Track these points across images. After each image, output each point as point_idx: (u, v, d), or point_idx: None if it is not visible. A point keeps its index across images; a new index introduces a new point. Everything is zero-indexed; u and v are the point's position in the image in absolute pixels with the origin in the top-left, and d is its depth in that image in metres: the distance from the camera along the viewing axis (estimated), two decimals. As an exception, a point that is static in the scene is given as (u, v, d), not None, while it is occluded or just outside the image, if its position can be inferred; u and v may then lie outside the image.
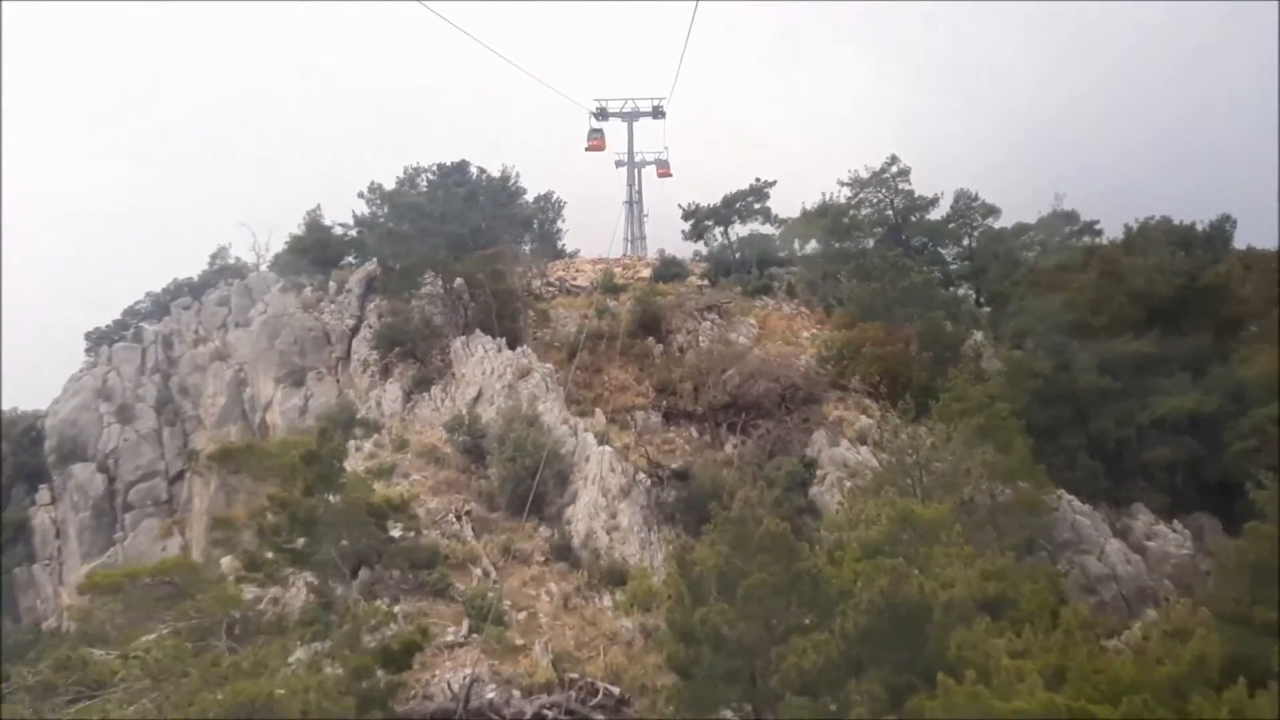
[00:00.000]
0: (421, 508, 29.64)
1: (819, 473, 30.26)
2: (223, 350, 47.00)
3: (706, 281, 51.03)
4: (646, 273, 54.63)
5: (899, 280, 35.27)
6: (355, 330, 43.27)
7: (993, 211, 53.35)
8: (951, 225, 52.36)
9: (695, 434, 36.28)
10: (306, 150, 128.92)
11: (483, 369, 36.11)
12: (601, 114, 66.92)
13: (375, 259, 43.24)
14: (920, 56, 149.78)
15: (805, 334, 43.58)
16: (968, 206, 53.23)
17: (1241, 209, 67.69)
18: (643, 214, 78.08)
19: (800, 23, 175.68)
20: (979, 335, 38.93)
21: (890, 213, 50.47)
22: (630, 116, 68.57)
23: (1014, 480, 26.44)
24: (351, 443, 34.66)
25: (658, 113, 67.56)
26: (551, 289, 53.20)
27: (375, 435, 35.50)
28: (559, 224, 79.52)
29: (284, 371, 42.66)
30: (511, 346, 40.76)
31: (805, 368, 36.88)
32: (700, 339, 42.37)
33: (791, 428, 33.15)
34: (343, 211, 51.53)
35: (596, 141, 64.36)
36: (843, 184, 51.34)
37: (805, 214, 54.96)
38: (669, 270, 52.38)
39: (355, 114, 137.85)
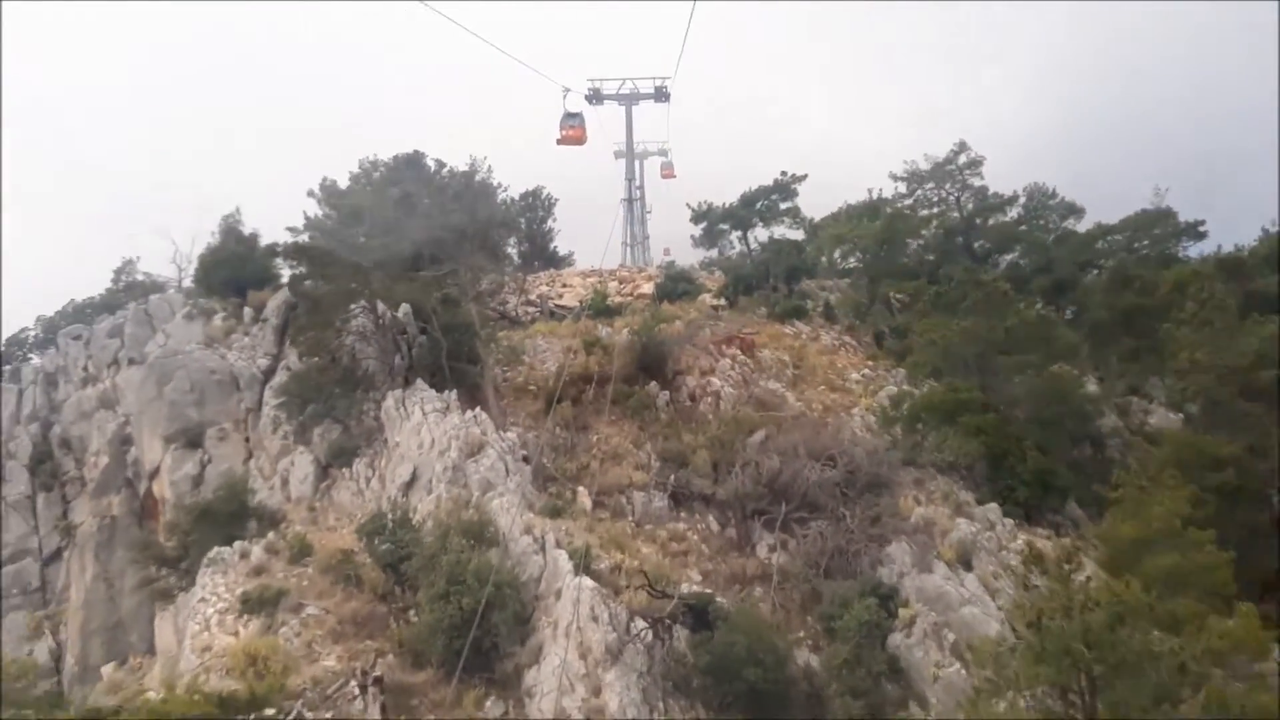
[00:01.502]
0: (311, 669, 19.86)
1: (903, 612, 20.25)
2: (110, 395, 37.12)
3: (723, 301, 40.97)
4: (648, 288, 44.57)
5: (1001, 314, 25.13)
6: (270, 373, 33.28)
7: (1074, 211, 43.19)
8: (1023, 227, 42.09)
9: (715, 525, 26.26)
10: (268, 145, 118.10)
11: (420, 439, 26.09)
12: (594, 96, 56.83)
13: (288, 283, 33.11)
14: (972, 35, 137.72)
15: (855, 375, 33.53)
16: (1042, 205, 43.04)
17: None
18: (645, 212, 68.35)
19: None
20: (1092, 385, 28.75)
21: (957, 214, 40.13)
22: (629, 99, 58.47)
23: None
24: (236, 546, 24.87)
25: (661, 95, 57.48)
26: (532, 310, 43.22)
27: (272, 533, 25.60)
28: (550, 224, 71.13)
29: (176, 428, 32.64)
30: (470, 400, 30.84)
31: (866, 438, 26.79)
32: (718, 383, 32.33)
33: (854, 529, 23.08)
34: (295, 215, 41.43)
35: (572, 130, 52.27)
36: (897, 178, 41.17)
37: (848, 213, 44.90)
38: (676, 286, 42.34)
39: (332, 106, 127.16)
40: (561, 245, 69.36)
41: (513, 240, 69.86)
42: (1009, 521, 23.07)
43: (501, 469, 24.55)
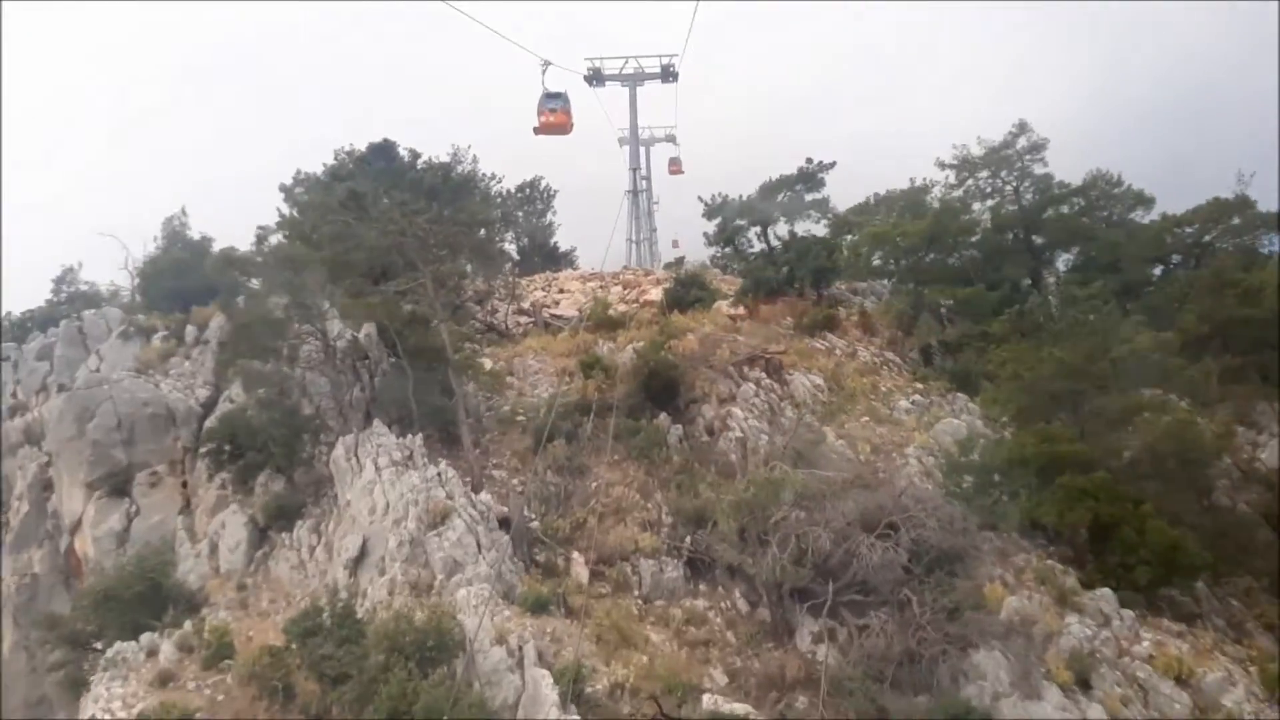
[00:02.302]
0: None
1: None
2: (35, 428, 32.07)
3: (742, 309, 35.59)
4: (656, 293, 39.21)
5: (1105, 338, 19.53)
6: (211, 405, 28.12)
7: (1143, 201, 37.59)
8: (1084, 220, 36.52)
9: (744, 605, 21.06)
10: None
11: (372, 502, 20.89)
12: (595, 77, 51.37)
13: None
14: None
15: (903, 402, 28.13)
16: (1106, 194, 37.47)
17: None
18: (652, 204, 62.88)
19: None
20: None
21: (1014, 205, 34.47)
22: (633, 80, 53.01)
23: None
24: (144, 641, 19.85)
25: (668, 74, 51.97)
26: (524, 321, 37.96)
27: (190, 621, 20.53)
28: (550, 217, 65.72)
29: (100, 472, 27.53)
30: (443, 442, 25.76)
31: (927, 489, 21.47)
32: (740, 414, 27.03)
33: (924, 623, 17.80)
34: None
35: (554, 115, 45.46)
36: (944, 165, 35.51)
37: (880, 205, 39.46)
38: (688, 293, 36.96)
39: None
40: (564, 240, 64.32)
41: (510, 236, 65.34)
42: (1127, 614, 17.79)
43: (472, 543, 19.36)
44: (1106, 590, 17.92)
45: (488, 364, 32.01)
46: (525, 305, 39.36)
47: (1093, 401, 19.73)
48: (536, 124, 45.33)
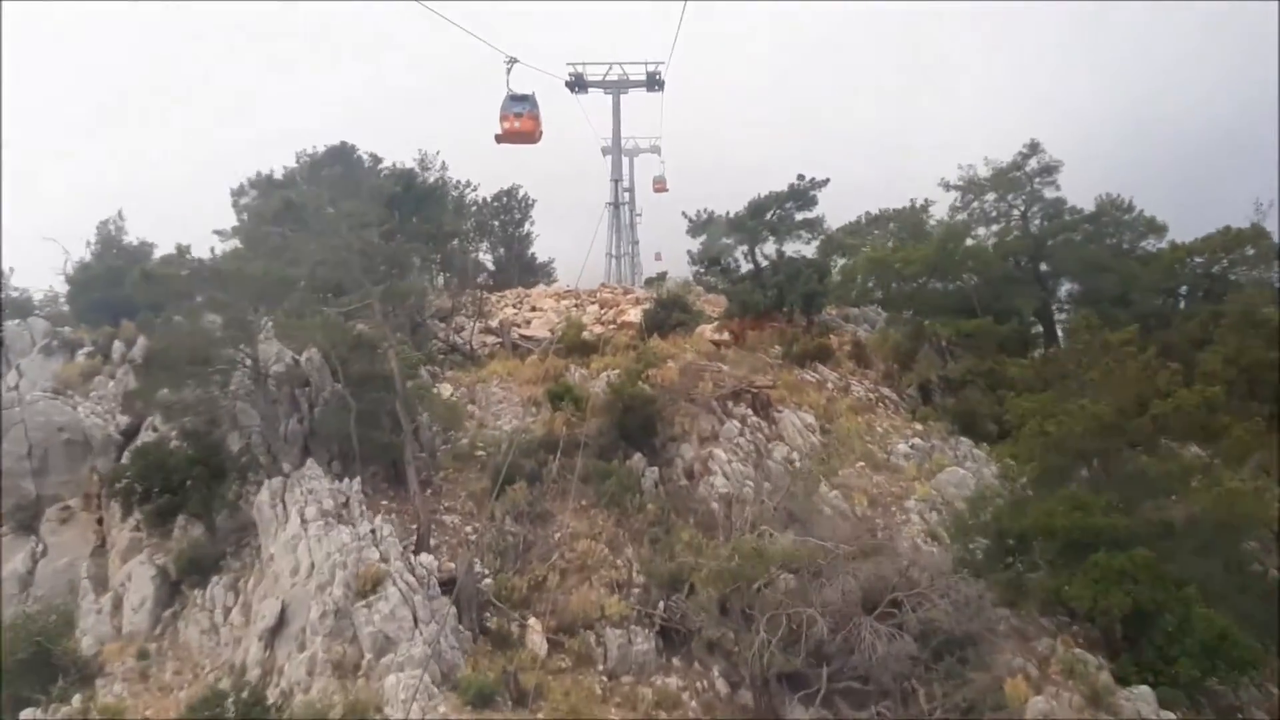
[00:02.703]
0: None
1: None
2: (-58, 452, 28.89)
3: (726, 335, 32.98)
4: (635, 314, 36.56)
5: (1141, 389, 16.83)
6: (133, 434, 25.15)
7: (1155, 229, 35.37)
8: (1092, 247, 34.19)
9: (723, 686, 18.35)
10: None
11: (296, 560, 18.03)
12: (576, 83, 48.79)
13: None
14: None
15: (902, 445, 25.59)
16: (1116, 220, 35.21)
17: None
18: (635, 215, 60.30)
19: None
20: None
21: (1019, 231, 31.82)
22: (617, 87, 50.45)
23: None
24: (24, 716, 16.94)
25: (654, 82, 49.44)
26: (491, 342, 35.14)
27: (79, 696, 17.60)
28: (528, 227, 63.10)
29: (7, 505, 24.50)
30: (389, 483, 23.04)
31: (933, 554, 18.91)
32: (724, 456, 24.40)
33: (938, 722, 15.19)
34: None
35: (519, 121, 39.10)
36: (949, 186, 33.05)
37: (871, 225, 37.05)
38: (669, 315, 34.32)
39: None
40: (542, 250, 61.84)
41: (485, 246, 62.56)
42: (1169, 717, 15.23)
43: (407, 616, 16.53)
44: (1145, 689, 15.37)
45: (447, 390, 29.27)
46: (493, 324, 36.57)
47: (1129, 463, 17.22)
48: (499, 130, 40.04)
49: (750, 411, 26.30)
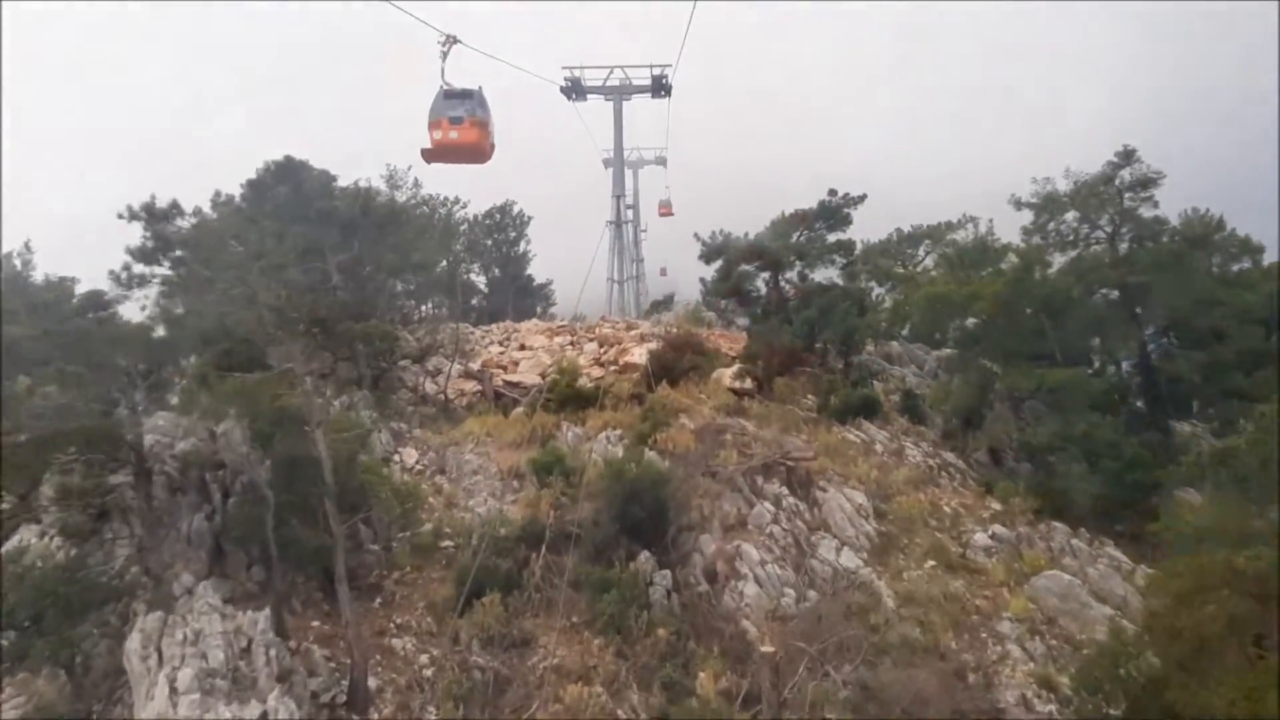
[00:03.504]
0: None
1: None
2: None
3: (750, 381, 27.59)
4: (639, 354, 31.12)
5: None
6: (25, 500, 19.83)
7: (1250, 249, 30.02)
8: (1192, 274, 28.69)
9: None
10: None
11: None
12: (574, 88, 43.48)
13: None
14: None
15: (979, 534, 20.17)
16: (1204, 237, 29.81)
17: None
18: (640, 232, 55.04)
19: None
20: None
21: (1116, 261, 25.96)
22: (619, 93, 45.12)
23: None
24: None
25: (660, 87, 44.10)
26: (470, 390, 29.77)
27: None
28: (523, 246, 58.07)
29: None
30: (329, 590, 17.84)
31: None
32: (755, 554, 19.01)
33: None
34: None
35: (456, 131, 24.74)
36: (1021, 204, 27.53)
37: (911, 242, 31.70)
38: (680, 357, 28.90)
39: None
40: (539, 271, 56.87)
41: (477, 266, 57.44)
42: None
43: None
44: None
45: (412, 456, 24.03)
46: (475, 365, 31.25)
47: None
48: (429, 144, 25.24)
49: (785, 490, 20.92)
